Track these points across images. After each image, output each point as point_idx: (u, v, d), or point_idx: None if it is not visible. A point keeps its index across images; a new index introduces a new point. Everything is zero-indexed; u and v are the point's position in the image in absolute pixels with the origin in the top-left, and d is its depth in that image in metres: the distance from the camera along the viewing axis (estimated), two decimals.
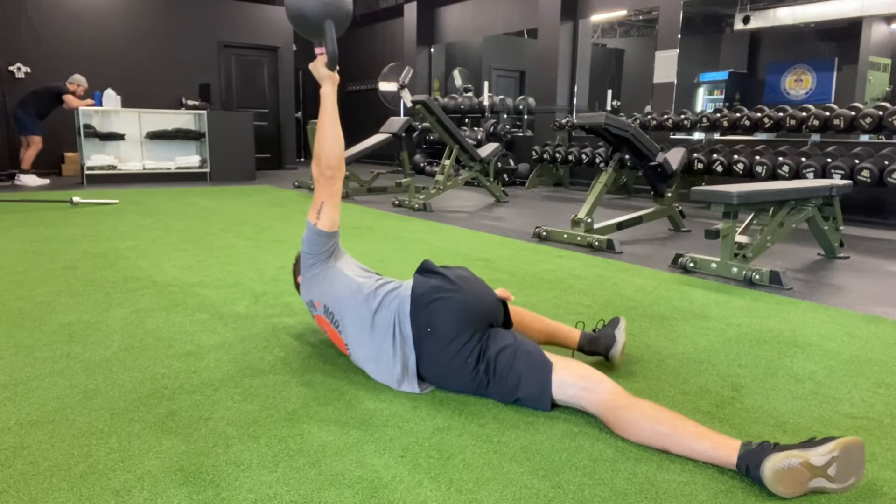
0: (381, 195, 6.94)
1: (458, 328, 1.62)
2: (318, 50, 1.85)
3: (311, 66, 1.87)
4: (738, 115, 6.14)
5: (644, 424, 1.41)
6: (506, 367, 1.60)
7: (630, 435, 1.44)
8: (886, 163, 4.84)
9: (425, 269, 1.77)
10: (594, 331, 1.97)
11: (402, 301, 1.70)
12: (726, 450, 1.31)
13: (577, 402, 1.54)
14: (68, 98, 7.39)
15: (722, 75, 9.49)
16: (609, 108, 9.43)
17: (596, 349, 1.91)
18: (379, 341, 1.72)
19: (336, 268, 1.86)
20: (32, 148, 7.46)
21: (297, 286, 2.06)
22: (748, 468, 1.27)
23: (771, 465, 1.22)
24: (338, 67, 1.86)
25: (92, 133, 7.73)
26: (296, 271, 2.09)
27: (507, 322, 1.82)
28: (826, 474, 1.22)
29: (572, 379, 1.54)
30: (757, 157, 5.62)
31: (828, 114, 5.40)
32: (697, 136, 6.96)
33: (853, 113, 5.23)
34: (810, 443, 1.27)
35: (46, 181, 7.64)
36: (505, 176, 8.33)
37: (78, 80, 7.57)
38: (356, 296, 1.77)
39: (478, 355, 1.63)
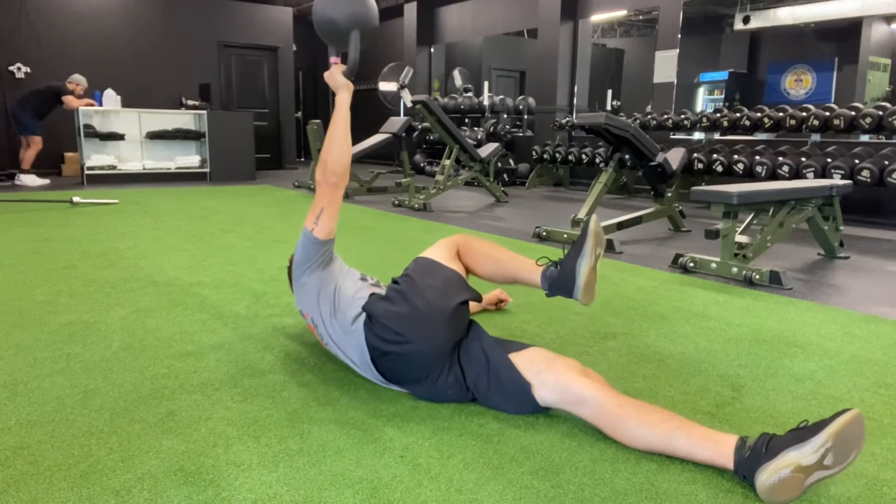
0: (381, 195, 6.94)
1: (423, 375, 1.61)
2: (332, 59, 1.88)
3: (327, 75, 1.87)
4: (738, 115, 6.14)
5: (637, 439, 1.39)
6: (486, 393, 1.59)
7: (624, 443, 1.43)
8: (886, 163, 4.84)
9: (370, 316, 1.65)
10: (557, 265, 1.75)
11: (362, 348, 1.66)
12: (721, 458, 1.30)
13: (566, 410, 1.52)
14: (68, 99, 7.37)
15: (722, 75, 9.49)
16: (609, 108, 9.43)
17: (558, 293, 1.71)
18: (358, 368, 1.74)
19: (323, 281, 1.81)
20: (32, 148, 7.45)
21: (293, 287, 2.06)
22: (745, 476, 1.27)
23: (763, 482, 1.21)
24: (353, 77, 1.87)
25: (92, 133, 7.73)
26: (290, 274, 2.08)
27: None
28: (822, 466, 1.20)
29: (554, 396, 1.50)
30: (757, 157, 5.62)
31: (828, 114, 5.40)
32: (697, 136, 6.96)
33: (853, 113, 5.23)
34: (802, 432, 1.24)
35: (46, 181, 7.64)
36: (505, 176, 8.33)
37: (77, 80, 7.56)
38: (328, 322, 1.76)
39: (456, 381, 1.61)
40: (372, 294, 1.71)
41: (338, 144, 1.79)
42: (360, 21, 1.82)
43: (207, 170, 8.32)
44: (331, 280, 1.80)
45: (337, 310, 1.73)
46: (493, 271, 1.79)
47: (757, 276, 3.01)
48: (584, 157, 7.38)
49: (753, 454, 1.25)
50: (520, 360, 1.56)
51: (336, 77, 1.85)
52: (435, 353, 1.59)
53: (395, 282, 1.72)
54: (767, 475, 1.21)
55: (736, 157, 5.80)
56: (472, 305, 2.44)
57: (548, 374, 1.51)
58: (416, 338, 1.58)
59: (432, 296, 1.62)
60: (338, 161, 1.79)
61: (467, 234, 1.80)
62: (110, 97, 7.83)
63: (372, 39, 1.90)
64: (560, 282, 1.69)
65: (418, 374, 1.62)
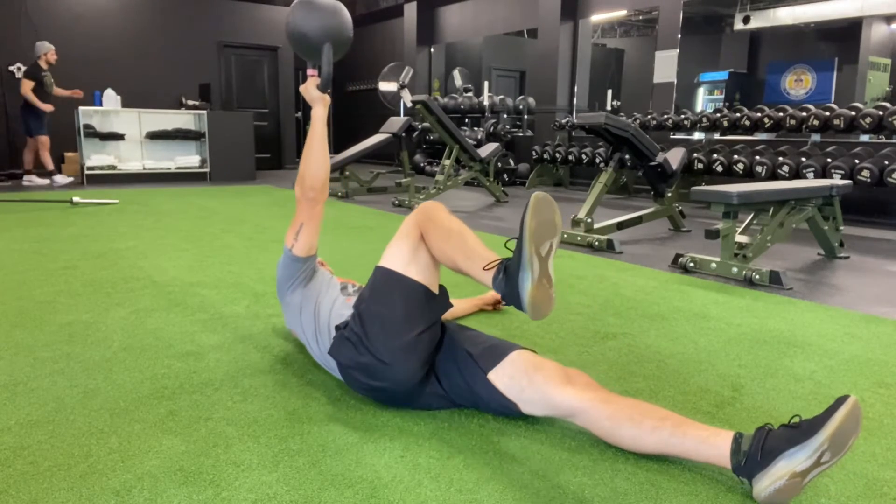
0: (381, 195, 6.94)
1: (406, 400, 1.60)
2: (310, 72, 1.86)
3: (302, 88, 1.85)
4: (738, 115, 6.14)
5: (632, 448, 1.38)
6: (477, 407, 1.58)
7: (621, 448, 1.42)
8: (886, 163, 4.84)
9: (340, 364, 1.63)
10: (505, 270, 1.44)
11: (341, 379, 1.67)
12: (719, 461, 1.28)
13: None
14: (24, 84, 7.18)
15: (722, 75, 9.48)
16: (609, 108, 9.44)
17: (511, 304, 1.44)
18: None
19: (305, 299, 1.79)
20: (43, 149, 7.42)
21: None
22: (743, 481, 1.27)
23: (760, 491, 1.20)
24: (329, 90, 1.86)
25: (92, 133, 7.73)
26: None
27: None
28: (818, 464, 1.19)
29: (542, 412, 1.48)
30: (757, 157, 5.62)
31: (828, 114, 5.40)
32: (697, 136, 6.96)
33: (853, 113, 5.23)
34: (796, 433, 1.22)
35: (47, 181, 7.64)
36: (505, 176, 8.33)
37: (45, 48, 7.33)
38: (311, 342, 1.75)
39: (447, 400, 1.59)
40: (337, 327, 1.65)
41: (315, 159, 1.77)
42: (332, 34, 1.79)
43: (207, 170, 8.32)
44: (312, 297, 1.79)
45: (318, 331, 1.73)
46: (450, 266, 1.56)
47: (757, 276, 3.01)
48: (584, 157, 7.38)
49: (749, 461, 1.23)
50: (500, 379, 1.49)
51: (310, 91, 1.83)
52: (410, 385, 1.55)
53: (353, 315, 1.60)
54: (765, 484, 1.20)
55: (736, 157, 5.80)
56: (470, 306, 2.43)
57: (531, 392, 1.45)
58: (385, 384, 1.54)
59: (392, 332, 1.51)
60: (315, 176, 1.77)
61: (431, 209, 1.62)
62: (110, 97, 7.84)
63: (345, 51, 1.87)
64: (509, 295, 1.42)
65: (402, 402, 1.61)
